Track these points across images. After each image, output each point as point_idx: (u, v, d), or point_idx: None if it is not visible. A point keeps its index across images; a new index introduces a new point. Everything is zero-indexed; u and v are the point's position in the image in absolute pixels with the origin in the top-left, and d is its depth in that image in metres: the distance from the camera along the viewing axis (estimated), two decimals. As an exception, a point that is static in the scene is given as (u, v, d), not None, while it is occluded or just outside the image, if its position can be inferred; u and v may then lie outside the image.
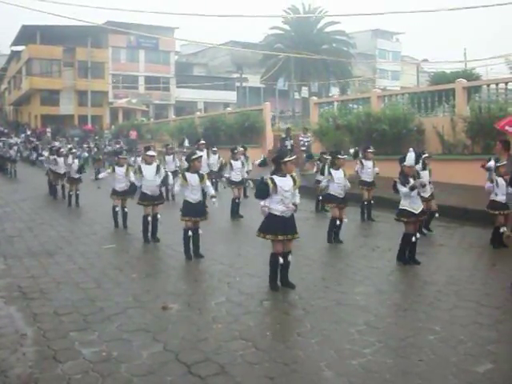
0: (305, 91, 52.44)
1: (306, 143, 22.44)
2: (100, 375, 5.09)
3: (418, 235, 9.12)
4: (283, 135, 24.29)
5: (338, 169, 11.11)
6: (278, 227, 7.61)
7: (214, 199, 9.90)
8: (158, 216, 11.30)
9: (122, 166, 13.09)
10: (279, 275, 7.82)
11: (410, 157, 9.50)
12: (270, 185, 7.60)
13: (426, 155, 11.37)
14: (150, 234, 11.29)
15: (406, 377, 5.09)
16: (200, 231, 9.74)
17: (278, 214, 7.62)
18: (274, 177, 7.69)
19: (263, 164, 10.25)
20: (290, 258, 7.77)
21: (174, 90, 64.67)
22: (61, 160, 18.46)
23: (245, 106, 50.59)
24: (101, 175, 13.85)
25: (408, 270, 8.85)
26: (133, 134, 41.25)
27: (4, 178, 27.67)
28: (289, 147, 22.22)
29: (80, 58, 59.41)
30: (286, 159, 7.72)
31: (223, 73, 68.13)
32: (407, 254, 9.11)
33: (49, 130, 53.10)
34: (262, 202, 7.65)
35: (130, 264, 9.57)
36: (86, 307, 7.05)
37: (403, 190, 8.87)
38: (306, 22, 58.92)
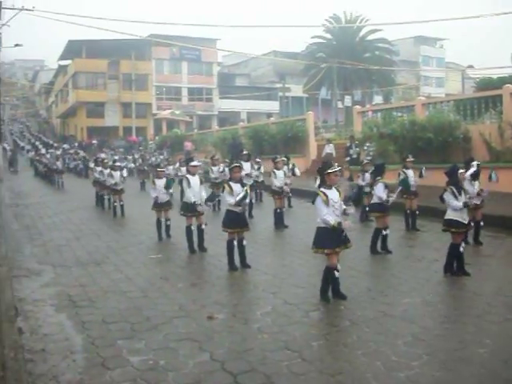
0: (348, 100, 52.11)
1: (371, 152, 20.97)
2: (147, 383, 5.15)
3: (463, 245, 8.96)
4: (347, 143, 23.13)
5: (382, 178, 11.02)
6: (333, 240, 7.56)
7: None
8: (203, 226, 11.38)
9: (160, 178, 13.25)
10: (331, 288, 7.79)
11: None
12: (324, 197, 7.57)
13: (477, 162, 11.22)
14: (195, 245, 11.36)
15: (454, 390, 5.01)
16: (244, 242, 9.77)
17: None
18: (323, 189, 7.67)
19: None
20: (338, 266, 7.71)
21: (216, 100, 65.20)
22: (107, 171, 18.78)
23: (288, 115, 50.57)
24: (153, 195, 13.25)
25: (455, 281, 8.70)
26: (188, 145, 40.95)
27: (52, 189, 28.26)
28: (354, 156, 21.41)
29: (124, 70, 60.45)
30: (330, 171, 7.68)
31: (266, 83, 68.38)
32: (455, 265, 8.94)
33: (95, 141, 54.09)
34: (328, 220, 7.55)
35: (176, 274, 9.66)
36: (133, 316, 7.16)
37: (454, 204, 8.73)
38: (348, 31, 58.69)
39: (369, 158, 19.81)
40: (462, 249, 8.83)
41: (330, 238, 7.55)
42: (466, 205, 8.69)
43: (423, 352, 5.78)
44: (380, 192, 10.84)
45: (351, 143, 22.83)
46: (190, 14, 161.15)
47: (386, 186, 10.86)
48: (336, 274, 7.64)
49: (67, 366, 5.58)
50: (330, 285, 7.74)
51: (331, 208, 7.54)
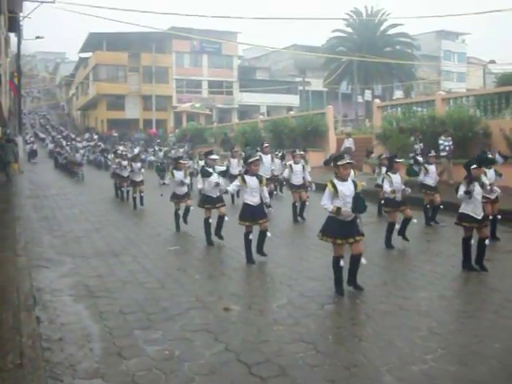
0: (368, 94, 51.89)
1: (447, 147, 18.74)
2: (163, 373, 5.20)
3: (487, 241, 8.85)
4: (411, 138, 20.25)
5: (395, 172, 10.95)
6: (338, 231, 7.56)
7: (270, 209, 10.09)
8: (226, 218, 11.42)
9: (180, 170, 13.31)
10: (348, 278, 7.82)
11: None
12: (331, 189, 7.58)
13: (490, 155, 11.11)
14: (212, 230, 11.41)
15: (469, 385, 5.00)
16: (268, 234, 9.82)
17: (340, 218, 7.58)
18: (335, 181, 7.66)
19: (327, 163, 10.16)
20: (362, 260, 7.71)
21: (237, 94, 65.25)
22: (125, 163, 18.95)
23: (308, 109, 50.44)
24: (166, 181, 14.10)
25: (473, 277, 8.65)
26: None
27: (71, 181, 28.49)
28: (418, 151, 20.00)
29: (144, 63, 60.75)
30: (339, 163, 7.62)
31: (286, 76, 68.18)
32: (474, 260, 8.87)
33: (115, 134, 54.47)
34: (327, 206, 7.61)
35: (194, 265, 9.72)
36: (150, 307, 7.21)
37: (459, 193, 8.66)
38: (369, 25, 58.44)
39: (444, 154, 18.58)
40: (472, 242, 8.76)
41: (335, 228, 7.57)
42: (467, 192, 8.54)
43: (438, 346, 5.77)
44: (386, 186, 10.79)
45: (416, 137, 19.82)
46: (211, 7, 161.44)
47: (391, 181, 10.75)
48: (341, 262, 7.64)
49: (84, 354, 5.65)
50: (341, 275, 7.75)
51: (341, 201, 7.52)
